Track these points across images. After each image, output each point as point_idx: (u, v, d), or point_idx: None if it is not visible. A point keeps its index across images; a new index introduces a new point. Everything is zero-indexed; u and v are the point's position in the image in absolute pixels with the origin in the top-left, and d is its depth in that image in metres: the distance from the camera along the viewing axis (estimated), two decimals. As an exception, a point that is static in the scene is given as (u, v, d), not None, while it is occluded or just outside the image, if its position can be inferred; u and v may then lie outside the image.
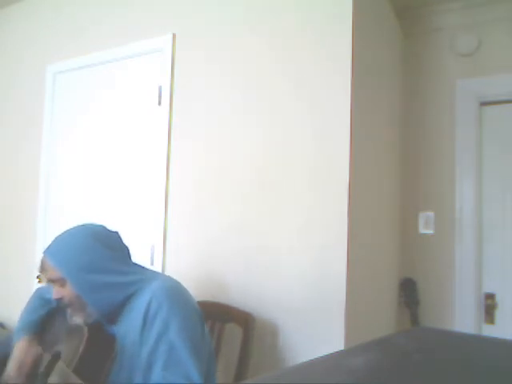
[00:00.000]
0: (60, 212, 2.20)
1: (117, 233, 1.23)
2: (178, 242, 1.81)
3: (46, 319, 1.30)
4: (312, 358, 0.50)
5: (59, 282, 1.12)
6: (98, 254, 1.12)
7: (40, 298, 1.34)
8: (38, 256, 2.26)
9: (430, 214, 2.19)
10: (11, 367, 1.17)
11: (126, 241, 1.26)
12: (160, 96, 1.91)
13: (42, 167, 2.30)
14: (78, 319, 1.14)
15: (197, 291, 1.69)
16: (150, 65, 1.98)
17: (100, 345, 1.13)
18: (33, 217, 2.31)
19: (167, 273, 1.81)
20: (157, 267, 1.82)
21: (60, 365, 1.06)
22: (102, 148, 2.09)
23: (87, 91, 2.18)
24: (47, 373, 1.05)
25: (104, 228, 1.22)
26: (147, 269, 1.26)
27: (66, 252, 1.13)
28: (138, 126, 1.98)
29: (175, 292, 1.13)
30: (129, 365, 1.08)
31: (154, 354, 1.03)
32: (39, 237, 2.25)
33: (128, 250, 1.24)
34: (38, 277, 2.12)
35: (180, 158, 1.84)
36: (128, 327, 1.11)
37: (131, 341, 1.09)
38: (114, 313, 1.13)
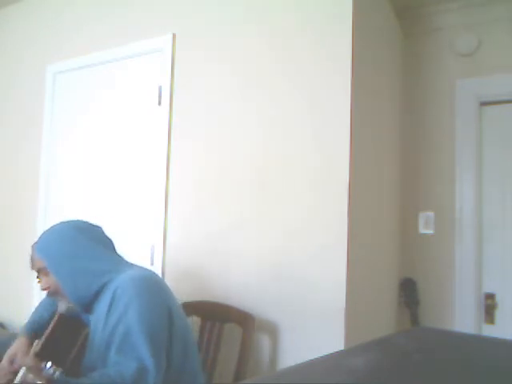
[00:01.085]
0: (60, 212, 2.20)
1: (100, 227, 1.28)
2: (177, 242, 1.81)
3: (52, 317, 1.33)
4: (312, 357, 0.50)
5: (44, 271, 1.18)
6: (78, 243, 1.17)
7: (48, 300, 1.38)
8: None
9: (430, 213, 2.19)
10: (3, 363, 1.21)
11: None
12: (160, 96, 1.91)
13: (42, 167, 2.30)
14: (62, 306, 1.19)
15: (196, 291, 1.69)
16: (150, 65, 1.98)
17: (68, 329, 1.17)
18: (33, 217, 2.31)
19: (167, 272, 1.81)
20: (157, 267, 1.82)
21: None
22: (102, 148, 2.09)
23: (87, 91, 2.18)
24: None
25: (87, 222, 1.27)
26: (126, 261, 1.27)
27: (48, 242, 1.19)
28: (138, 126, 1.98)
29: (144, 282, 1.13)
30: (97, 350, 1.11)
31: (112, 336, 1.05)
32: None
33: (111, 243, 1.27)
34: (38, 277, 2.12)
35: (180, 157, 1.84)
36: (98, 314, 1.14)
37: (100, 327, 1.12)
38: (89, 301, 1.16)
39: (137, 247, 1.88)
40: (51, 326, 1.16)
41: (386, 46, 2.04)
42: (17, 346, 1.24)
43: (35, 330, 1.29)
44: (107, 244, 1.25)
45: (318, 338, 1.45)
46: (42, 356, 1.08)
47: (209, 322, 1.57)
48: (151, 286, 1.14)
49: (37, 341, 1.19)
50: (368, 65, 1.71)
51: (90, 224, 1.27)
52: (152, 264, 1.84)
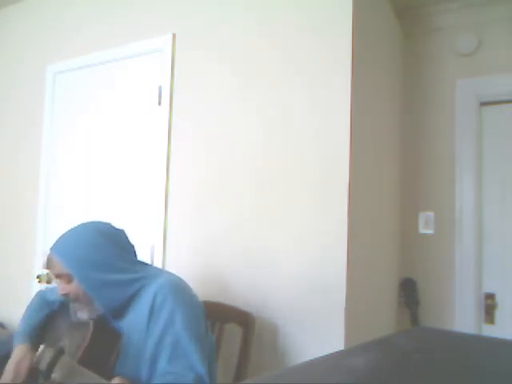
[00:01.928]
0: (60, 212, 2.20)
1: (123, 231, 1.25)
2: (178, 242, 1.81)
3: (47, 320, 1.31)
4: (312, 358, 0.50)
5: (66, 277, 1.14)
6: (104, 252, 1.14)
7: (42, 298, 1.36)
8: (38, 256, 2.27)
9: (430, 213, 2.19)
10: (6, 374, 1.18)
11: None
12: (160, 96, 1.91)
13: (42, 167, 2.30)
14: (83, 314, 1.15)
15: (197, 291, 1.69)
16: (150, 65, 1.98)
17: (105, 337, 1.14)
18: (33, 217, 2.31)
19: (167, 273, 1.81)
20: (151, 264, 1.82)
21: (64, 359, 1.08)
22: (102, 148, 2.09)
23: (87, 91, 2.18)
24: (50, 368, 1.06)
25: (111, 225, 1.24)
26: (153, 266, 1.29)
27: (74, 248, 1.14)
28: (138, 126, 1.98)
29: (180, 287, 1.15)
30: (135, 357, 1.10)
31: (160, 345, 1.05)
32: (39, 237, 2.25)
33: (133, 248, 1.26)
34: (38, 277, 2.12)
35: (180, 157, 1.84)
36: (134, 321, 1.12)
37: (137, 334, 1.10)
38: (120, 308, 1.15)
39: (137, 247, 1.87)
40: (90, 334, 1.12)
41: (385, 46, 2.04)
42: (19, 354, 1.21)
43: (32, 336, 1.27)
44: (129, 249, 1.24)
45: (318, 338, 1.45)
46: (84, 365, 1.06)
47: (209, 322, 1.57)
48: (187, 292, 1.16)
49: (42, 346, 1.17)
50: (368, 65, 1.71)
51: (114, 228, 1.23)
52: (152, 264, 1.84)
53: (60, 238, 1.18)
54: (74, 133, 2.21)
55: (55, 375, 1.04)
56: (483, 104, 2.14)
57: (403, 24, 2.27)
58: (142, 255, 1.84)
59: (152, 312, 1.09)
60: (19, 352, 1.22)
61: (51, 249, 1.17)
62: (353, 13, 1.51)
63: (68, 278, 1.13)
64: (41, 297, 1.37)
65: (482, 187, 2.11)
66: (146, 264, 1.27)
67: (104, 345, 1.13)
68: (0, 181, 2.53)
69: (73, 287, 1.13)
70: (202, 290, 1.69)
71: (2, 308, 2.34)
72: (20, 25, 2.56)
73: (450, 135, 2.17)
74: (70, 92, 2.25)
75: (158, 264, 1.83)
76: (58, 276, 1.16)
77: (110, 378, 1.08)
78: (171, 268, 1.81)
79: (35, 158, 2.34)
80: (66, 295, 1.16)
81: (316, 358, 0.50)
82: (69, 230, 1.19)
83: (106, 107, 2.10)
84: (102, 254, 1.14)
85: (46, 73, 2.34)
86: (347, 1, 1.51)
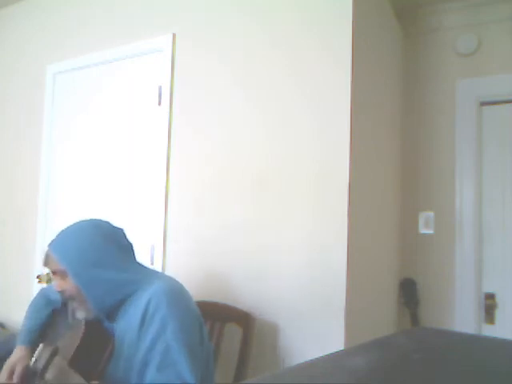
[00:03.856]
0: (60, 212, 2.20)
1: (122, 230, 1.23)
2: (178, 242, 1.81)
3: (49, 319, 1.31)
4: (312, 358, 0.50)
5: (60, 274, 1.13)
6: (101, 249, 1.13)
7: (44, 297, 1.36)
8: (39, 256, 2.27)
9: (430, 213, 2.19)
10: (2, 374, 1.19)
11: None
12: (160, 96, 1.91)
13: (42, 167, 2.30)
14: (79, 314, 1.15)
15: (197, 291, 1.69)
16: (150, 65, 1.98)
17: (96, 340, 1.13)
18: (33, 216, 2.31)
19: (167, 273, 1.81)
20: (157, 267, 1.81)
21: (57, 359, 1.08)
22: (102, 148, 2.09)
23: (87, 91, 2.18)
24: (45, 368, 1.05)
25: (109, 224, 1.22)
26: (150, 268, 1.26)
27: (69, 245, 1.13)
28: (138, 126, 1.98)
29: (175, 294, 1.13)
30: (126, 361, 1.09)
31: (150, 353, 1.03)
32: (39, 236, 2.25)
33: (132, 248, 1.24)
34: (38, 277, 2.12)
35: (180, 158, 1.84)
36: (126, 324, 1.11)
37: (129, 338, 1.09)
38: (113, 310, 1.13)
39: (137, 247, 1.87)
40: (81, 335, 1.11)
41: (385, 46, 2.04)
42: (16, 356, 1.22)
43: (33, 337, 1.27)
44: (127, 248, 1.22)
45: (318, 338, 1.45)
46: (74, 367, 1.06)
47: (209, 322, 1.57)
48: (183, 300, 1.14)
49: (41, 345, 1.17)
50: (368, 65, 1.71)
51: (112, 226, 1.22)
52: (152, 264, 1.84)
53: (58, 234, 1.18)
54: (73, 133, 2.21)
55: (48, 375, 1.04)
56: (483, 104, 2.14)
57: (403, 24, 2.27)
58: (142, 255, 1.84)
59: (145, 317, 1.07)
60: (17, 353, 1.23)
61: (49, 245, 1.16)
62: (353, 13, 1.50)
63: (63, 275, 1.13)
64: (43, 295, 1.36)
65: (482, 187, 2.11)
66: (144, 266, 1.25)
67: (95, 345, 1.12)
68: (0, 181, 2.53)
69: (67, 284, 1.12)
70: (201, 290, 1.69)
71: (2, 308, 2.34)
72: (20, 25, 2.56)
73: (450, 135, 2.17)
74: (69, 92, 2.25)
75: (158, 264, 1.83)
76: (53, 272, 1.16)
77: (100, 378, 1.08)
78: (171, 268, 1.81)
79: (35, 158, 2.34)
80: (61, 292, 1.15)
81: (316, 358, 0.50)
82: (67, 227, 1.19)
83: (105, 107, 2.10)
84: (97, 250, 1.12)
85: (46, 73, 2.34)
86: (347, 1, 1.51)
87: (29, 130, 2.41)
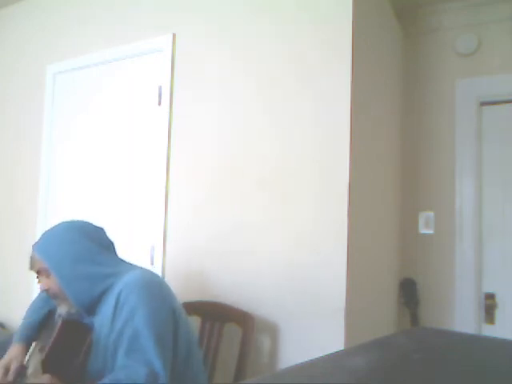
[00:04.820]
0: (60, 212, 2.20)
1: (102, 228, 1.27)
2: (177, 242, 1.81)
3: (45, 319, 1.31)
4: (312, 358, 0.50)
5: (44, 272, 1.17)
6: (80, 245, 1.16)
7: (42, 298, 1.37)
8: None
9: (430, 213, 2.19)
10: None
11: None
12: (160, 96, 1.91)
13: (42, 167, 2.30)
14: (62, 310, 1.17)
15: (197, 291, 1.69)
16: (150, 65, 1.97)
17: (73, 334, 1.16)
18: (33, 217, 2.31)
19: (167, 272, 1.81)
20: (157, 267, 1.81)
21: (36, 357, 1.11)
22: (101, 148, 2.09)
23: (87, 91, 2.18)
24: (27, 366, 1.07)
25: (90, 224, 1.26)
26: (130, 263, 1.27)
27: (50, 243, 1.18)
28: (138, 126, 1.98)
29: (147, 284, 1.13)
30: (103, 353, 1.10)
31: (120, 339, 1.05)
32: (39, 237, 2.25)
33: (113, 245, 1.26)
34: (38, 277, 2.12)
35: (180, 157, 1.84)
36: (103, 316, 1.13)
37: (105, 330, 1.11)
38: (92, 304, 1.15)
39: (137, 247, 1.88)
40: (56, 332, 1.13)
41: (385, 45, 2.04)
42: (11, 354, 1.23)
43: (29, 335, 1.28)
44: (108, 246, 1.24)
45: (318, 338, 1.45)
46: (48, 364, 1.08)
47: (209, 322, 1.57)
48: (155, 289, 1.14)
49: (34, 343, 1.18)
50: (368, 65, 1.71)
51: (92, 225, 1.25)
52: (152, 264, 1.84)
53: (41, 236, 1.23)
54: (73, 133, 2.21)
55: (28, 372, 1.07)
56: (483, 104, 2.14)
57: (403, 24, 2.27)
58: (142, 255, 1.84)
59: (116, 307, 1.09)
60: (12, 350, 1.24)
61: (32, 246, 1.21)
62: (353, 13, 1.51)
63: (46, 273, 1.16)
64: (41, 296, 1.38)
65: (482, 187, 2.11)
66: (125, 261, 1.27)
67: (72, 341, 1.14)
68: (0, 181, 2.53)
69: (51, 282, 1.16)
70: (201, 290, 1.69)
71: (2, 308, 2.34)
72: (20, 25, 2.56)
73: (450, 135, 2.17)
74: (69, 92, 2.25)
75: (157, 264, 1.83)
76: (38, 272, 1.19)
77: (81, 373, 1.10)
78: (171, 268, 1.81)
79: (35, 158, 2.34)
80: (46, 291, 1.18)
81: (316, 358, 0.50)
82: (50, 228, 1.23)
83: (105, 107, 2.10)
84: (77, 246, 1.15)
85: (46, 73, 2.34)
86: (347, 1, 1.51)
87: (29, 130, 2.41)
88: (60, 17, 2.35)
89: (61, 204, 2.21)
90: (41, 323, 1.32)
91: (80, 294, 1.14)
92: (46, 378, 1.04)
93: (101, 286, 1.14)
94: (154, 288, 1.14)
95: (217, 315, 1.57)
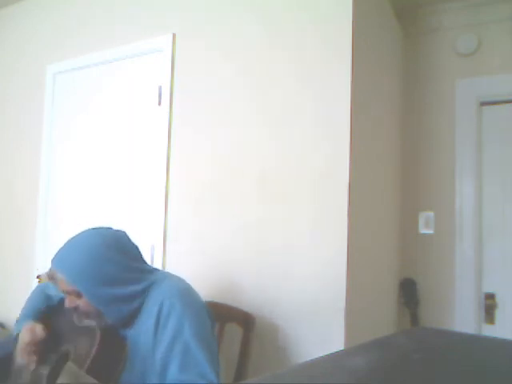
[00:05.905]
0: (60, 212, 2.20)
1: (124, 233, 1.21)
2: (178, 242, 1.81)
3: (46, 316, 1.29)
4: (312, 358, 0.50)
5: (74, 293, 1.09)
6: (112, 264, 1.09)
7: (42, 292, 1.35)
8: (38, 256, 2.27)
9: (430, 213, 2.19)
10: (19, 348, 1.15)
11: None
12: (160, 96, 1.91)
13: (42, 167, 2.30)
14: (91, 322, 1.12)
15: (197, 291, 1.69)
16: (150, 65, 1.97)
17: (112, 347, 1.12)
18: (33, 216, 2.30)
19: (167, 273, 1.81)
20: (157, 267, 1.81)
21: (70, 365, 1.05)
22: (101, 148, 2.09)
23: (87, 91, 2.18)
24: (55, 373, 1.04)
25: (113, 231, 1.19)
26: (158, 270, 1.26)
27: (77, 263, 1.07)
28: (138, 126, 1.98)
29: (186, 292, 1.14)
30: (141, 366, 1.08)
31: (170, 354, 1.03)
32: (39, 237, 2.25)
33: (138, 249, 1.22)
34: (38, 277, 2.12)
35: (180, 158, 1.84)
36: (141, 329, 1.10)
37: (144, 342, 1.08)
38: (129, 319, 1.13)
39: (137, 247, 1.88)
40: (97, 342, 1.08)
41: (385, 45, 2.04)
42: (32, 325, 1.17)
43: (40, 317, 1.24)
44: (136, 255, 1.20)
45: (318, 338, 1.45)
46: (91, 375, 1.04)
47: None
48: (193, 297, 1.14)
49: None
50: (368, 65, 1.71)
51: (115, 233, 1.18)
52: (152, 264, 1.84)
53: (60, 249, 1.12)
54: (74, 133, 2.21)
55: (61, 379, 1.03)
56: (483, 104, 2.14)
57: (403, 24, 2.27)
58: (143, 255, 1.84)
59: (159, 320, 1.06)
60: (28, 327, 1.17)
61: (52, 262, 1.11)
62: (353, 13, 1.50)
63: (76, 294, 1.09)
64: (41, 290, 1.35)
65: (482, 187, 2.11)
66: (153, 268, 1.24)
67: (111, 354, 1.10)
68: (0, 181, 2.52)
69: (82, 302, 1.09)
70: (201, 290, 1.68)
71: (2, 308, 2.34)
72: (20, 25, 2.56)
73: (450, 135, 2.17)
74: (69, 92, 2.25)
75: (158, 264, 1.82)
76: (65, 292, 1.11)
77: None
78: (171, 268, 1.81)
79: (35, 158, 2.34)
80: (74, 308, 1.11)
81: (316, 358, 0.50)
82: (69, 241, 1.14)
83: (105, 107, 2.10)
84: (107, 265, 1.08)
85: (46, 73, 2.34)
86: (347, 1, 1.51)
87: (29, 130, 2.41)
88: (60, 17, 2.35)
89: (61, 204, 2.21)
90: (41, 316, 1.27)
91: (117, 313, 1.10)
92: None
93: (138, 301, 1.11)
94: (192, 297, 1.14)
95: (217, 315, 1.56)
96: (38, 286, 1.40)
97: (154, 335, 1.07)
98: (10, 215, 2.45)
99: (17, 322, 1.29)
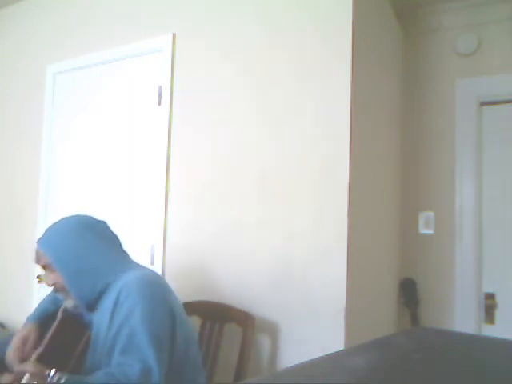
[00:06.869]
0: (60, 212, 2.19)
1: (105, 222, 1.27)
2: (178, 242, 1.81)
3: (50, 317, 1.32)
4: (312, 358, 0.50)
5: (49, 267, 1.17)
6: (83, 241, 1.17)
7: (52, 295, 1.38)
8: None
9: (430, 213, 2.19)
10: (15, 342, 1.21)
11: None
12: (160, 96, 1.91)
13: (42, 167, 2.30)
14: (69, 304, 1.18)
15: (197, 291, 1.69)
16: (150, 65, 1.97)
17: (72, 328, 1.17)
18: (33, 217, 2.31)
19: (167, 272, 1.81)
20: (157, 266, 1.81)
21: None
22: (102, 148, 2.09)
23: (87, 91, 2.18)
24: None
25: (91, 217, 1.26)
26: (133, 261, 1.27)
27: (54, 238, 1.19)
28: (138, 126, 1.98)
29: (147, 283, 1.14)
30: (100, 351, 1.11)
31: (117, 337, 1.06)
32: (39, 236, 2.25)
33: (117, 238, 1.27)
34: (38, 277, 2.12)
35: (180, 158, 1.84)
36: (101, 314, 1.14)
37: (103, 328, 1.12)
38: (93, 300, 1.16)
39: (137, 247, 1.88)
40: (54, 326, 1.14)
41: (385, 45, 2.04)
42: (28, 330, 1.24)
43: (42, 320, 1.29)
44: (112, 240, 1.25)
45: (318, 338, 1.45)
46: (44, 357, 1.08)
47: (209, 322, 1.57)
48: (154, 288, 1.15)
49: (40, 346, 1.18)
50: (368, 65, 1.71)
51: (95, 219, 1.26)
52: (152, 264, 1.84)
53: (45, 231, 1.23)
54: (74, 133, 2.21)
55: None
56: (483, 104, 2.14)
57: (403, 24, 2.27)
58: (142, 255, 1.84)
59: (116, 305, 1.10)
60: (26, 328, 1.24)
61: (37, 242, 1.21)
62: (353, 13, 1.50)
63: (51, 268, 1.17)
64: (52, 294, 1.38)
65: (482, 187, 2.11)
66: (129, 257, 1.27)
67: (69, 334, 1.15)
68: (0, 181, 2.52)
69: (56, 276, 1.16)
70: (201, 290, 1.69)
71: (2, 308, 2.34)
72: (20, 25, 2.56)
73: (450, 135, 2.17)
74: (69, 92, 2.25)
75: (157, 264, 1.83)
76: (43, 267, 1.19)
77: (76, 369, 1.10)
78: (171, 268, 1.81)
79: (35, 158, 2.34)
80: (53, 286, 1.18)
81: (316, 358, 0.50)
82: (53, 223, 1.24)
83: (105, 107, 2.10)
84: (80, 242, 1.16)
85: (46, 73, 2.34)
86: (347, 1, 1.51)
87: (29, 130, 2.41)
88: (60, 17, 2.35)
89: (61, 204, 2.21)
90: (52, 315, 1.32)
91: (82, 290, 1.14)
92: (30, 365, 1.04)
93: (102, 282, 1.15)
94: (153, 288, 1.15)
95: (217, 315, 1.57)
96: (50, 292, 1.43)
97: (110, 321, 1.10)
98: (10, 215, 2.45)
99: (27, 319, 1.33)
